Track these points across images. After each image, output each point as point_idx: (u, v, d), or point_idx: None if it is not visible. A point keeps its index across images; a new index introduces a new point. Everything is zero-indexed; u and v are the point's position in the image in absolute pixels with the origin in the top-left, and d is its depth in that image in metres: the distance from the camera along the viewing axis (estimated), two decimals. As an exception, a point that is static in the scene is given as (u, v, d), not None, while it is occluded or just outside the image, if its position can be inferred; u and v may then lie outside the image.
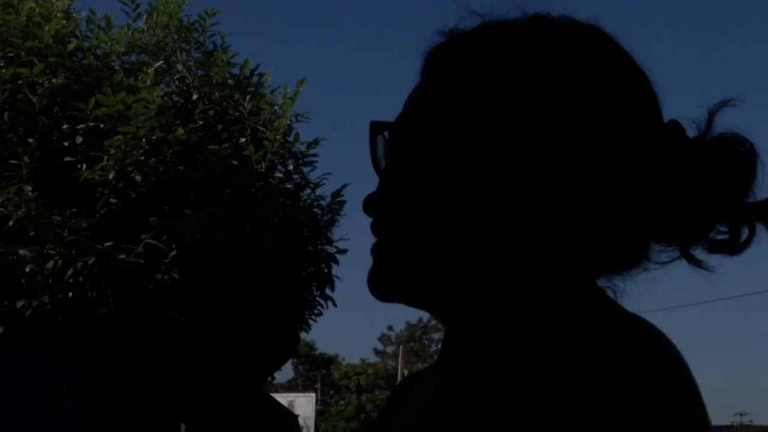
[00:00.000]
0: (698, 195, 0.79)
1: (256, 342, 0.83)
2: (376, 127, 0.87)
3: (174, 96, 7.75)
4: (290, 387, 45.71)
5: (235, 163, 7.29)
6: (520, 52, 0.81)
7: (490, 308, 0.80)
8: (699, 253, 0.82)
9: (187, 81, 7.79)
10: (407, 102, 0.86)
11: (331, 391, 51.37)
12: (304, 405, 26.09)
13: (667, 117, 0.84)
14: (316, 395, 33.87)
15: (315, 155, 8.17)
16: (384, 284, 0.84)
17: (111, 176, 6.76)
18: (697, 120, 0.83)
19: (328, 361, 52.01)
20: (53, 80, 7.12)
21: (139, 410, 0.79)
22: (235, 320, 0.83)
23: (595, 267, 0.82)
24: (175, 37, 7.95)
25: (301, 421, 23.83)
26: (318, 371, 51.22)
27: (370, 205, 0.85)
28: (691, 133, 0.82)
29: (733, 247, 0.80)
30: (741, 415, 38.86)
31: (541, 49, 0.81)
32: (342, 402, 49.24)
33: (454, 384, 0.76)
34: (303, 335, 7.79)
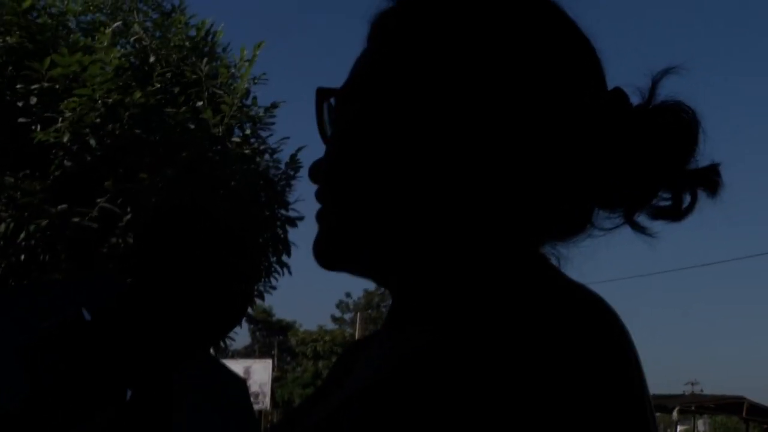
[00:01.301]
0: (641, 161, 0.80)
1: (201, 306, 0.82)
2: (322, 94, 0.86)
3: (131, 58, 7.61)
4: (247, 353, 45.62)
5: (192, 126, 7.19)
6: (464, 17, 0.81)
7: (436, 277, 0.81)
8: (643, 219, 0.83)
9: (145, 43, 7.65)
10: (353, 68, 0.86)
11: (288, 358, 51.31)
12: (260, 371, 26.03)
13: (617, 85, 0.84)
14: (273, 361, 33.86)
15: (273, 117, 8.04)
16: (329, 252, 0.84)
17: (66, 139, 6.65)
18: (643, 88, 0.84)
19: (285, 328, 51.90)
20: (7, 39, 6.99)
21: (82, 373, 0.78)
22: (181, 284, 0.82)
23: (538, 233, 0.83)
24: (133, -4, 7.80)
25: (257, 387, 23.79)
26: (275, 337, 51.13)
27: (316, 171, 0.85)
28: (636, 101, 0.83)
29: (676, 213, 0.81)
30: (692, 384, 39.58)
31: (484, 14, 0.81)
32: (299, 368, 49.23)
33: (404, 346, 0.77)
34: (259, 302, 7.72)
